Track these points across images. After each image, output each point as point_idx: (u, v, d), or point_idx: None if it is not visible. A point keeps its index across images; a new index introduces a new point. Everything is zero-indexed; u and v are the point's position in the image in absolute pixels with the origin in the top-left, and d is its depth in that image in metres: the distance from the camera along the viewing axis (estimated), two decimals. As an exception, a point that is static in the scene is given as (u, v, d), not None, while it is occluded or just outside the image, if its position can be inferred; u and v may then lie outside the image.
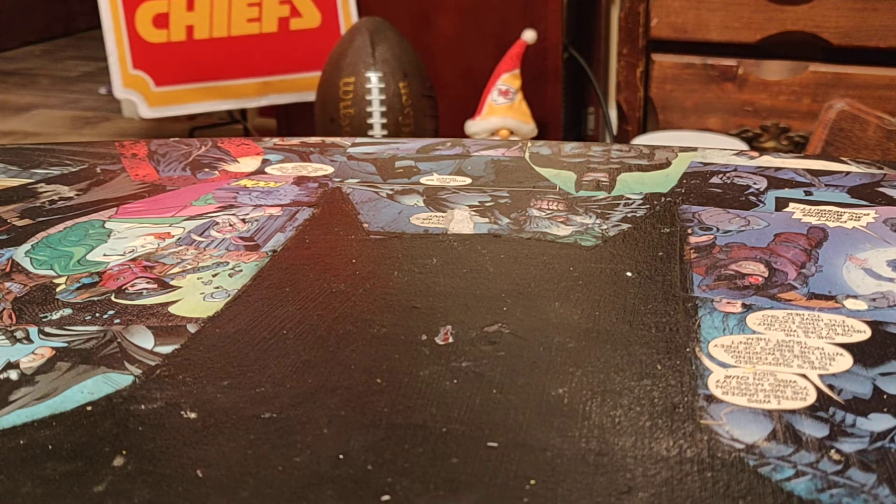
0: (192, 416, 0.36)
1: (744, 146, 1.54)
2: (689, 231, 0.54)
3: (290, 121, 2.12)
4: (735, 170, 0.65)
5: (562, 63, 1.83)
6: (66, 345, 0.42)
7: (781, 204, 0.58)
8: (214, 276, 0.49)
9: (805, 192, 0.60)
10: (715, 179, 0.63)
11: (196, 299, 0.46)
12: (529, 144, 0.73)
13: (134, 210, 0.60)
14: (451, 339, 0.41)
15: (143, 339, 0.42)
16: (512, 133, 1.73)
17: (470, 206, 0.59)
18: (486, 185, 0.63)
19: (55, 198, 0.63)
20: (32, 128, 2.59)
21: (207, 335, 0.43)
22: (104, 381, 0.39)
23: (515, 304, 0.45)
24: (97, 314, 0.45)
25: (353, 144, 0.75)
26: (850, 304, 0.44)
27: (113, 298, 0.47)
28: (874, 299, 0.45)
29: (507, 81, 1.73)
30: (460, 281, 0.48)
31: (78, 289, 0.48)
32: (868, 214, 0.56)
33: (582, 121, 2.00)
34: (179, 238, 0.55)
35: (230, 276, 0.49)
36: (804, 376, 0.38)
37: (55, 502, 0.31)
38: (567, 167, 0.67)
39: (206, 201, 0.61)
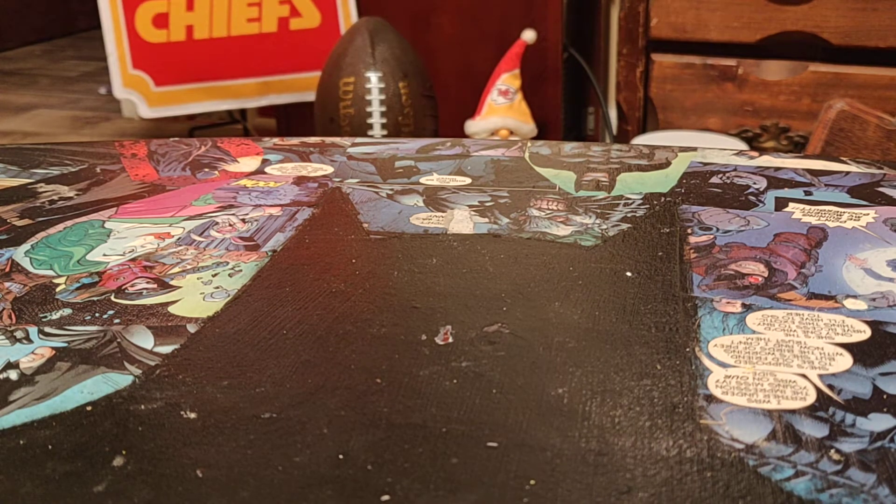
0: (192, 416, 0.36)
1: (744, 146, 1.54)
2: (689, 231, 0.54)
3: (290, 121, 2.13)
4: (735, 170, 0.65)
5: (562, 63, 1.83)
6: (65, 345, 0.42)
7: (781, 204, 0.58)
8: (214, 276, 0.49)
9: (805, 192, 0.60)
10: (715, 179, 0.63)
11: (196, 299, 0.46)
12: (529, 144, 0.73)
13: (134, 210, 0.60)
14: (450, 339, 0.41)
15: (142, 339, 0.42)
16: (512, 133, 1.73)
17: (470, 206, 0.59)
18: (486, 185, 0.63)
19: (55, 198, 0.63)
20: (32, 128, 2.59)
21: (207, 335, 0.43)
22: (104, 381, 0.39)
23: (515, 304, 0.45)
24: (97, 314, 0.45)
25: (353, 144, 0.75)
26: (850, 303, 0.44)
27: (113, 298, 0.47)
28: (874, 299, 0.45)
29: (506, 81, 1.73)
30: (460, 281, 0.48)
31: (78, 289, 0.48)
32: (868, 214, 0.56)
33: (582, 121, 2.00)
34: (179, 238, 0.55)
35: (230, 276, 0.49)
36: (804, 376, 0.38)
37: (55, 502, 0.31)
38: (567, 167, 0.67)
39: (205, 201, 0.61)
